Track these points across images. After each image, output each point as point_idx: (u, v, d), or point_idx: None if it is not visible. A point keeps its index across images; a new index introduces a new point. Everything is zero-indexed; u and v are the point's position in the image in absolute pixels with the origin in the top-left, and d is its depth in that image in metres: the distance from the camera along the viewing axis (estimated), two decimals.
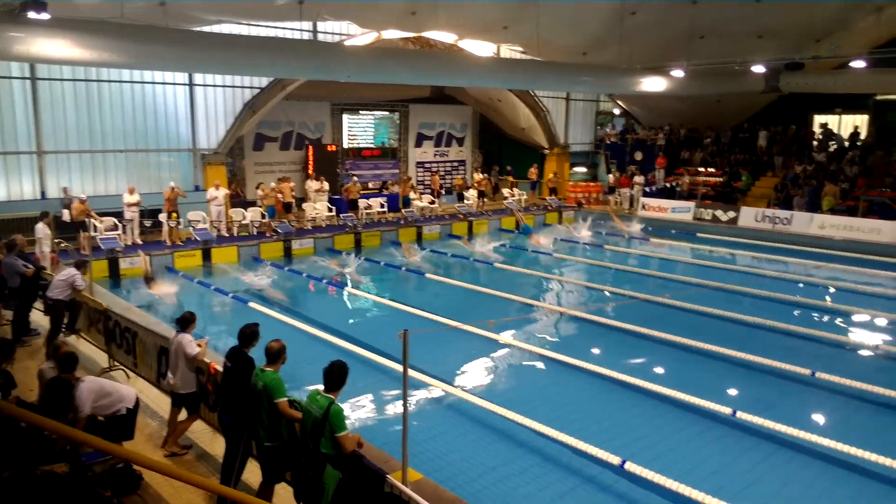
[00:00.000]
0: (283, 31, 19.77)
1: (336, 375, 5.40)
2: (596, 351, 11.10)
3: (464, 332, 11.24)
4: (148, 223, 18.15)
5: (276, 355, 5.82)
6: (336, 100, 25.43)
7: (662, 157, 28.44)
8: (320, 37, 21.19)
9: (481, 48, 23.70)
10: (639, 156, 29.64)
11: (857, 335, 12.07)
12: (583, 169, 31.76)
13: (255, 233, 19.62)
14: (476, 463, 7.20)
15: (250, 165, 23.53)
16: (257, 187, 20.98)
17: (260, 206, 20.23)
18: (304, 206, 22.01)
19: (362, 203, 22.82)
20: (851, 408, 8.85)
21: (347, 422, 5.32)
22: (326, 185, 22.58)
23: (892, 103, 26.30)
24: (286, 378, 5.79)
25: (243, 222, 19.88)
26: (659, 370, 10.19)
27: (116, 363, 9.47)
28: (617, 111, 33.09)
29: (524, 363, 10.32)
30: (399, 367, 5.45)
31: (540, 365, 10.19)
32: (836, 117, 28.22)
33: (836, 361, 10.44)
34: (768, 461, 7.39)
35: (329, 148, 25.11)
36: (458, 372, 9.83)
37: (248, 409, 5.83)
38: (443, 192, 26.56)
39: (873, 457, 7.11)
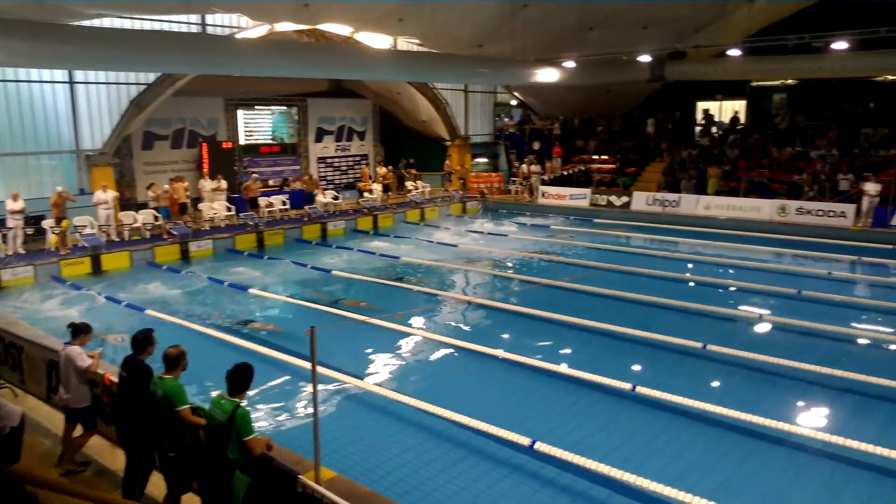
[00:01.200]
0: (169, 25, 18.91)
1: (240, 378, 5.27)
2: (503, 337, 11.32)
3: (372, 325, 11.21)
4: (30, 231, 16.97)
5: (174, 362, 5.60)
6: (230, 95, 24.61)
7: (559, 146, 29.28)
8: (210, 30, 20.43)
9: (378, 41, 23.57)
10: (537, 145, 30.39)
11: (743, 307, 12.85)
12: (484, 160, 32.24)
13: (148, 236, 18.72)
14: (391, 456, 7.21)
15: (140, 165, 22.41)
16: (148, 188, 20.04)
17: (152, 208, 19.34)
18: (201, 206, 21.21)
19: (263, 201, 22.24)
20: (739, 376, 9.45)
21: (255, 425, 5.19)
22: (224, 184, 21.85)
23: (766, 89, 28.19)
24: (188, 384, 5.59)
25: (134, 225, 18.93)
26: (564, 352, 10.53)
27: (1, 381, 8.83)
28: (514, 102, 33.78)
29: (434, 353, 10.39)
30: (309, 365, 5.37)
31: (449, 354, 10.29)
32: (717, 103, 29.95)
33: (724, 333, 11.12)
34: (666, 431, 7.79)
35: (224, 145, 24.29)
36: (369, 366, 9.79)
37: (147, 420, 5.58)
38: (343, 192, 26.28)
39: (761, 420, 7.62)
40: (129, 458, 5.85)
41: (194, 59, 16.30)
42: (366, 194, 24.99)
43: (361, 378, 9.24)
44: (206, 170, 22.81)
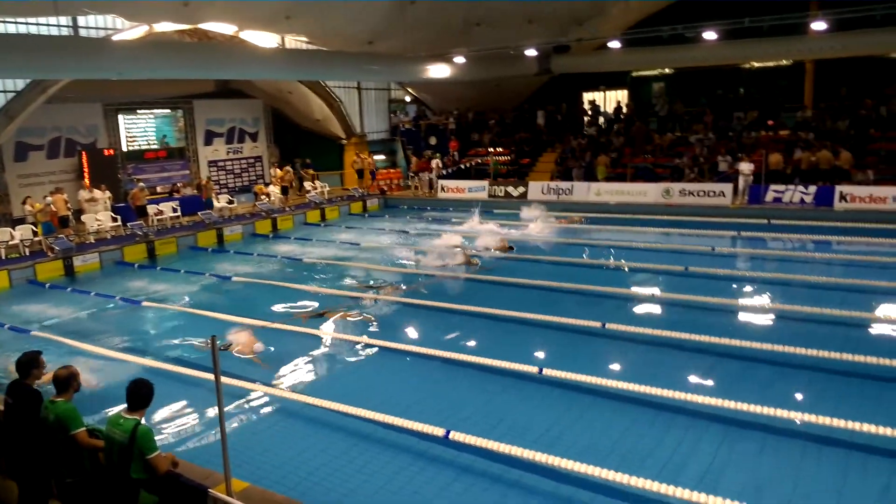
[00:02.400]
0: (38, 28, 17.70)
1: (139, 394, 5.06)
2: (410, 331, 11.38)
3: (278, 330, 10.99)
4: None
5: (65, 384, 5.29)
6: (109, 99, 23.34)
7: (455, 140, 29.65)
8: (83, 32, 19.29)
9: (265, 39, 23.01)
10: (433, 140, 30.65)
11: (636, 287, 13.50)
12: (382, 157, 32.19)
13: (27, 253, 17.48)
14: (306, 460, 7.10)
15: (13, 178, 20.89)
16: (24, 202, 18.73)
17: (31, 223, 18.08)
18: (84, 218, 20.03)
19: (152, 209, 21.27)
20: (638, 351, 9.93)
21: (162, 444, 5.00)
22: (98, 193, 20.68)
23: (646, 79, 29.66)
24: (84, 407, 5.30)
25: (11, 242, 17.65)
26: (471, 342, 10.67)
27: None
28: (408, 98, 33.91)
29: (342, 353, 10.27)
30: (213, 377, 5.20)
31: (359, 352, 10.22)
32: (602, 94, 31.25)
33: (621, 312, 11.65)
34: (571, 410, 8.08)
35: (106, 152, 23.06)
36: (277, 371, 9.58)
37: (40, 446, 5.25)
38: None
39: (658, 391, 8.04)
40: (23, 489, 5.48)
41: (67, 64, 15.36)
42: (262, 197, 24.39)
43: (270, 384, 9.04)
44: (87, 179, 21.55)
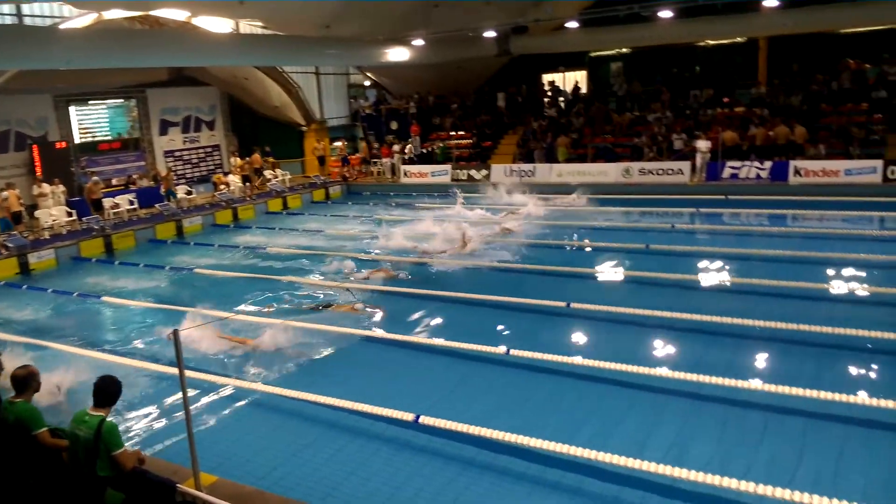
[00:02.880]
0: None
1: (107, 391, 4.98)
2: (377, 317, 11.28)
3: (244, 322, 10.88)
4: None
5: (23, 383, 5.17)
6: (59, 90, 22.63)
7: (416, 124, 29.49)
8: (28, 21, 18.64)
9: (218, 24, 22.51)
10: (394, 125, 30.44)
11: (598, 266, 13.63)
12: (340, 143, 31.89)
13: None
14: (277, 452, 7.05)
15: None
16: None
17: None
18: (38, 213, 19.46)
19: (108, 202, 20.77)
20: (602, 329, 10.08)
21: (131, 442, 4.92)
22: (62, 188, 20.16)
23: (604, 59, 29.81)
24: (46, 407, 5.18)
25: None
26: (438, 325, 10.70)
27: None
28: (367, 83, 33.57)
29: (308, 341, 10.16)
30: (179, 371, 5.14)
31: (324, 340, 10.12)
32: (561, 75, 31.35)
33: (586, 291, 11.79)
34: (539, 389, 8.17)
35: (58, 145, 22.39)
36: (244, 363, 9.47)
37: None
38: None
39: (623, 367, 8.18)
40: None
41: (12, 54, 14.86)
42: (222, 187, 24.00)
43: (237, 377, 8.94)
44: (39, 173, 20.92)
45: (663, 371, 8.16)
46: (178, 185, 23.75)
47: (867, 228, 15.57)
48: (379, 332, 10.36)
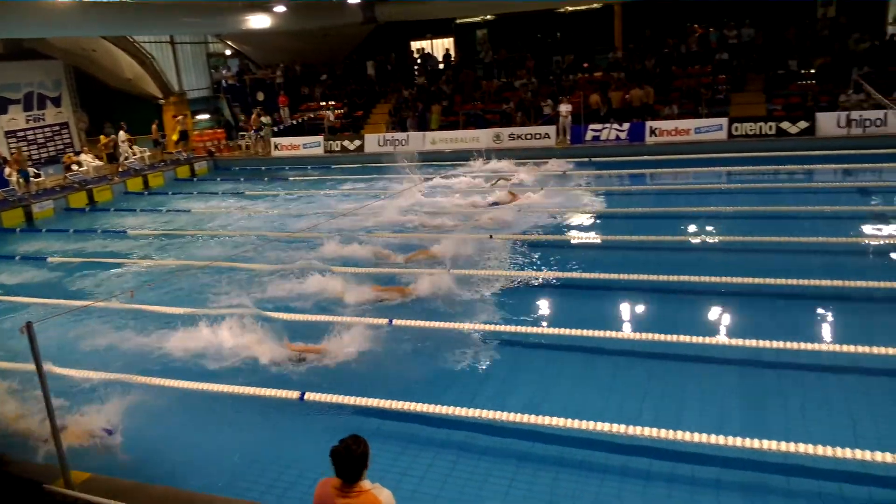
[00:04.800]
0: None
1: None
2: (250, 296, 10.85)
3: (104, 310, 10.26)
4: None
5: None
6: None
7: (284, 95, 28.60)
8: None
9: None
10: (261, 96, 29.37)
11: (475, 231, 13.86)
12: (206, 116, 30.44)
13: None
14: (158, 439, 6.74)
15: None
16: None
17: None
18: None
19: None
20: (472, 288, 10.35)
21: None
22: None
23: (470, 26, 30.14)
24: None
25: None
26: (300, 299, 10.43)
27: None
28: (229, 52, 32.07)
29: (176, 326, 9.73)
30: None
31: (193, 323, 9.71)
32: (429, 42, 31.38)
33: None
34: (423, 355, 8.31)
35: None
36: (109, 353, 8.96)
37: None
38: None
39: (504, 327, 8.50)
40: None
41: None
42: (73, 167, 22.28)
43: (103, 369, 8.43)
44: None
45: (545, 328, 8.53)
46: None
47: (716, 182, 16.86)
48: (249, 310, 9.90)
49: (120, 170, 23.25)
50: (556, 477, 5.72)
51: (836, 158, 17.38)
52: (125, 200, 20.71)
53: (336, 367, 8.00)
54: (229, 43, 30.80)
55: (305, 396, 7.21)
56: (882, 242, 11.31)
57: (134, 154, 24.36)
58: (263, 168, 24.79)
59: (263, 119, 26.90)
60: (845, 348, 7.27)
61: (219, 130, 28.78)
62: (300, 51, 29.93)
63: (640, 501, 5.36)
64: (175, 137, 26.22)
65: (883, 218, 12.53)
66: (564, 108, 22.41)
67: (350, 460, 3.55)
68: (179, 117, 27.09)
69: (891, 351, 7.05)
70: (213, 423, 7.13)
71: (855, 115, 19.38)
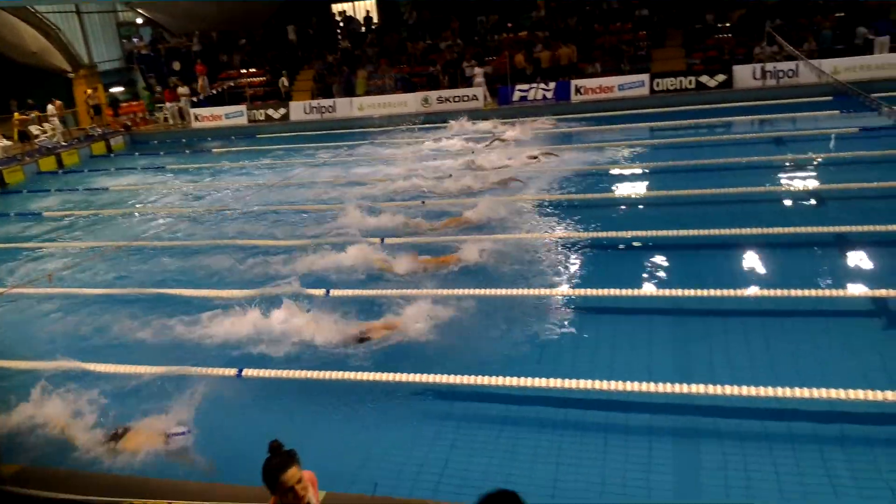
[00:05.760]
0: None
1: None
2: (168, 274, 10.50)
3: (16, 296, 9.82)
4: None
5: None
6: None
7: (201, 64, 27.52)
8: None
9: None
10: (177, 66, 28.23)
11: (409, 198, 13.79)
12: (120, 88, 29.05)
13: None
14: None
15: None
16: None
17: None
18: None
19: None
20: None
21: None
22: None
23: None
24: None
25: None
26: (218, 275, 10.13)
27: None
28: (140, 20, 30.54)
29: (99, 307, 9.35)
30: None
31: (118, 305, 9.36)
32: (351, 5, 30.64)
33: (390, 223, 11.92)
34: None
35: None
36: (29, 341, 8.56)
37: None
38: None
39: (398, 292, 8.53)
40: None
41: None
42: None
43: (24, 357, 8.06)
44: None
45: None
46: None
47: (640, 139, 17.22)
48: (158, 290, 9.55)
49: (30, 149, 21.99)
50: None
51: (752, 109, 18.04)
52: (38, 181, 19.67)
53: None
54: (140, 11, 29.31)
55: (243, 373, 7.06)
56: (796, 189, 11.85)
57: (45, 132, 23.07)
58: (183, 140, 23.92)
59: (181, 89, 25.88)
60: (765, 292, 7.65)
61: (134, 103, 27.52)
62: (215, 16, 28.72)
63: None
64: (87, 111, 25.00)
65: (797, 166, 13.13)
66: (478, 71, 22.53)
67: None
68: (89, 91, 25.76)
69: (806, 292, 7.45)
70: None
71: (769, 66, 20.11)
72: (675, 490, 5.01)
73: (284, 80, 25.38)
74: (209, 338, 7.99)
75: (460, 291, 8.33)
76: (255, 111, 24.82)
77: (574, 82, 21.86)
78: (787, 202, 11.27)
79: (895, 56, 19.44)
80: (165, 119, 26.02)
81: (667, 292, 7.99)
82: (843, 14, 21.84)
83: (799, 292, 7.44)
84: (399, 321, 7.67)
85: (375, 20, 29.31)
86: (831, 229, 9.31)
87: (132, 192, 17.06)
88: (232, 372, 7.10)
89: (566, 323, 7.58)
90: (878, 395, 5.51)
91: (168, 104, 25.92)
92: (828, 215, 10.24)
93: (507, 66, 22.54)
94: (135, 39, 30.40)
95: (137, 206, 15.50)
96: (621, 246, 9.88)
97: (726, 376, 6.08)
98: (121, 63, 29.70)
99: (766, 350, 6.73)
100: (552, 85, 22.05)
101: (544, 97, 22.05)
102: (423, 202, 12.91)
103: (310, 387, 6.78)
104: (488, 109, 22.10)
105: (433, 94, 23.14)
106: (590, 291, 8.18)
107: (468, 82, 23.21)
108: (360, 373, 6.78)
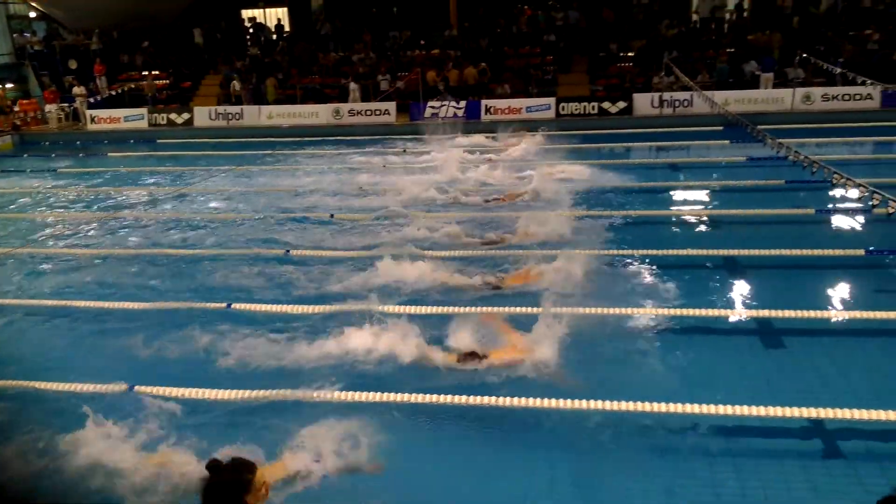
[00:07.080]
0: None
1: None
2: (98, 283, 9.99)
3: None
4: None
5: None
6: None
7: (100, 63, 26.25)
8: None
9: None
10: (73, 64, 26.81)
11: (315, 212, 13.59)
12: (10, 85, 27.25)
13: None
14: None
15: None
16: None
17: None
18: None
19: None
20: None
21: None
22: None
23: None
24: None
25: None
26: (155, 284, 9.84)
27: None
28: (33, 14, 28.81)
29: (25, 320, 8.74)
30: None
31: (41, 318, 8.77)
32: (262, 11, 30.13)
33: (310, 235, 11.77)
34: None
35: None
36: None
37: None
38: None
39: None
40: None
41: None
42: None
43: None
44: None
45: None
46: None
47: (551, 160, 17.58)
48: (108, 304, 9.15)
49: None
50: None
51: (650, 136, 18.97)
52: None
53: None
54: (34, 4, 27.65)
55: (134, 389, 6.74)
56: (690, 215, 12.50)
57: None
58: (78, 142, 22.70)
59: (76, 89, 24.58)
60: (663, 311, 8.00)
61: (25, 101, 25.88)
62: (116, 14, 27.51)
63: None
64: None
65: (691, 190, 13.85)
66: (354, 87, 22.90)
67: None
68: None
69: (702, 312, 7.87)
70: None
71: (666, 95, 21.24)
72: None
73: (236, 84, 24.37)
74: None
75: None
76: (156, 115, 23.88)
77: (484, 102, 22.29)
78: (679, 226, 11.87)
79: (778, 91, 21.01)
80: (58, 119, 24.60)
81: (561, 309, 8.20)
82: (733, 50, 23.40)
83: (682, 312, 7.87)
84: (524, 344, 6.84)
85: (287, 28, 28.89)
86: (720, 252, 9.90)
87: (23, 195, 15.99)
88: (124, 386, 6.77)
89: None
90: None
91: (47, 105, 24.44)
92: (716, 239, 10.89)
93: (419, 82, 22.72)
94: (27, 34, 28.63)
95: (34, 212, 14.52)
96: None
97: None
98: (10, 58, 27.86)
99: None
100: (463, 103, 22.39)
101: (455, 115, 22.35)
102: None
103: None
104: (400, 125, 22.17)
105: (345, 107, 23.01)
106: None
107: (381, 96, 23.24)
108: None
